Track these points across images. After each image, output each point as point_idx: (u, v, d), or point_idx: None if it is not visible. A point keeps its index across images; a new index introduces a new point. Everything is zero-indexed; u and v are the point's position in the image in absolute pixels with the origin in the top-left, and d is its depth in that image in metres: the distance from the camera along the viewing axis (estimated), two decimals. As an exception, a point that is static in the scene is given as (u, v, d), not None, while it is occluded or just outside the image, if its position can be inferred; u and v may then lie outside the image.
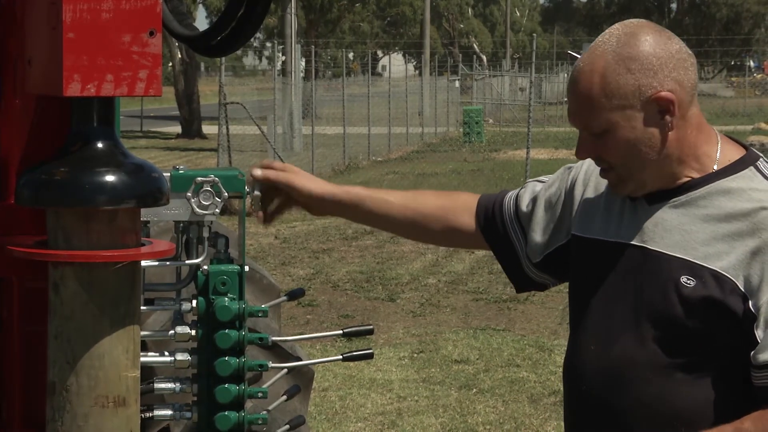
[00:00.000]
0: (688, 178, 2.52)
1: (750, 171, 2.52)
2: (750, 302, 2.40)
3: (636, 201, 2.57)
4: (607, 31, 2.53)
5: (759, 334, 2.39)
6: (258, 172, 2.84)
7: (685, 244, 2.48)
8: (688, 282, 2.44)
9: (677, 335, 2.46)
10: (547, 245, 2.74)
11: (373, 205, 2.89)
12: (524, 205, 2.80)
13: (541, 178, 2.85)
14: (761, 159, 2.56)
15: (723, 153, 2.54)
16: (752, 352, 2.40)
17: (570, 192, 2.72)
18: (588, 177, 2.70)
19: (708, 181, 2.51)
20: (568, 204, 2.72)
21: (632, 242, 2.54)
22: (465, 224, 2.87)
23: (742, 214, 2.45)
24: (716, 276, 2.43)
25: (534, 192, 2.80)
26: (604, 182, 2.62)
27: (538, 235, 2.76)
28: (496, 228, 2.83)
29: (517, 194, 2.84)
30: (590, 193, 2.68)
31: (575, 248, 2.68)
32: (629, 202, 2.58)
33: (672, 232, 2.50)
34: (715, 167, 2.52)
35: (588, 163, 2.70)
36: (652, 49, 2.46)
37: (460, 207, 2.89)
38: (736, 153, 2.55)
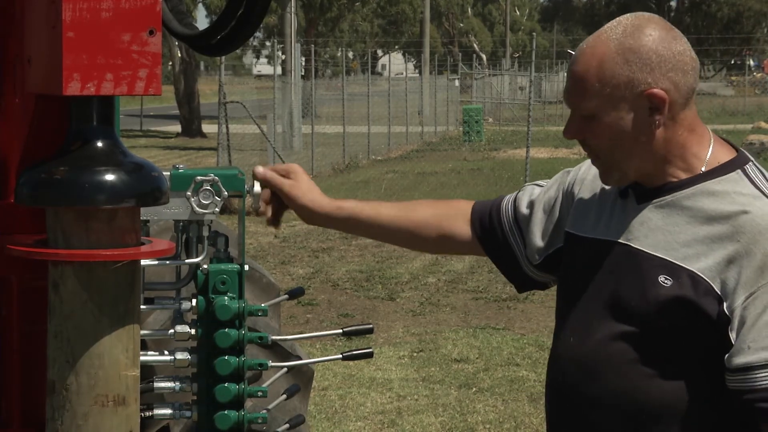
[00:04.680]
0: (674, 179, 2.53)
1: (737, 174, 2.51)
2: (725, 304, 2.41)
3: (626, 200, 2.59)
4: (617, 18, 2.55)
5: (733, 336, 2.40)
6: (259, 170, 2.89)
7: (667, 244, 2.49)
8: (665, 281, 2.46)
9: (650, 332, 2.48)
10: (546, 247, 2.77)
11: (365, 219, 2.93)
12: (523, 208, 2.82)
13: (539, 182, 2.88)
14: (750, 162, 2.55)
15: (713, 155, 2.54)
16: (726, 356, 2.41)
17: (568, 193, 2.75)
18: (584, 177, 2.72)
19: (694, 182, 2.51)
20: (565, 206, 2.74)
21: (618, 240, 2.56)
22: (460, 230, 2.90)
23: (724, 216, 2.45)
24: (693, 277, 2.44)
25: (532, 195, 2.82)
26: (599, 182, 2.64)
27: (537, 237, 2.78)
28: (494, 233, 2.86)
29: (515, 198, 2.86)
30: (585, 193, 2.70)
31: (567, 245, 2.70)
32: (620, 201, 2.60)
33: (656, 231, 2.51)
34: (703, 169, 2.52)
35: (586, 165, 2.73)
36: (654, 45, 2.47)
37: (455, 214, 2.92)
38: (726, 155, 2.55)
